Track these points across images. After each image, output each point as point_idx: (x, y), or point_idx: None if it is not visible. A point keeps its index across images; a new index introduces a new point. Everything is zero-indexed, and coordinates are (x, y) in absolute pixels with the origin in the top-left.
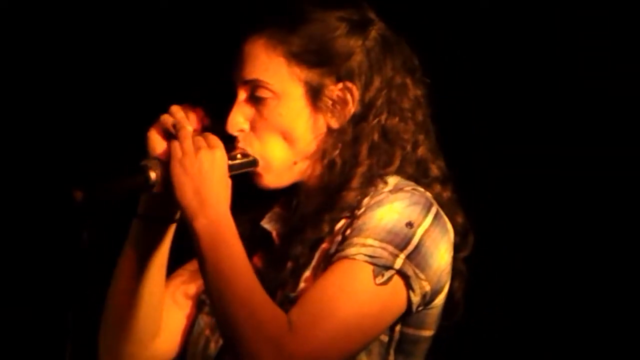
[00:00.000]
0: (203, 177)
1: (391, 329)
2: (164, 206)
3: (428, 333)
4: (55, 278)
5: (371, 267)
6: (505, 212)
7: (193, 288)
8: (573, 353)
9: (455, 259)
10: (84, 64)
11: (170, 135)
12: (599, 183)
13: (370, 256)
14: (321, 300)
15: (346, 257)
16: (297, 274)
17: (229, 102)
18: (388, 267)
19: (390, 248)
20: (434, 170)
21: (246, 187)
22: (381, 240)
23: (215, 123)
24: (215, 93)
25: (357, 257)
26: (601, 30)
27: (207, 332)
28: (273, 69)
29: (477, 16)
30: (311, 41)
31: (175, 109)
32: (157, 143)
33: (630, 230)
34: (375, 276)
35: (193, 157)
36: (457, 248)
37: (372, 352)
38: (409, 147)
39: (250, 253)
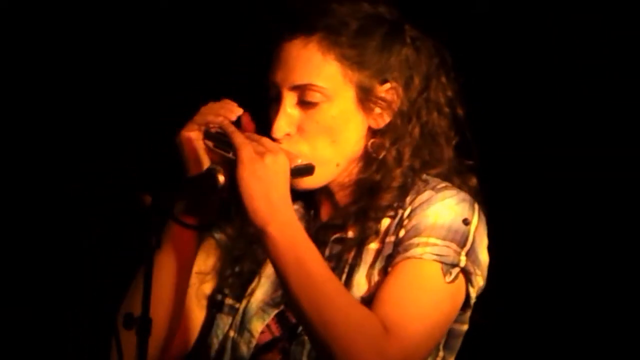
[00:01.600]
0: (271, 181)
1: None
2: (201, 211)
3: (466, 327)
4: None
5: (439, 265)
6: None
7: (208, 288)
8: (576, 352)
9: None
10: (88, 64)
11: (210, 136)
12: (599, 184)
13: (437, 255)
14: (405, 300)
15: (413, 257)
16: (348, 275)
17: (265, 105)
18: (454, 265)
19: (454, 246)
20: (461, 164)
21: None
22: (444, 239)
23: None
24: (253, 96)
25: (424, 256)
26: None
27: (232, 333)
28: (327, 73)
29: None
30: (360, 43)
31: (214, 110)
32: (195, 144)
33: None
34: (444, 274)
35: (260, 161)
36: None
37: None
38: (445, 143)
39: None
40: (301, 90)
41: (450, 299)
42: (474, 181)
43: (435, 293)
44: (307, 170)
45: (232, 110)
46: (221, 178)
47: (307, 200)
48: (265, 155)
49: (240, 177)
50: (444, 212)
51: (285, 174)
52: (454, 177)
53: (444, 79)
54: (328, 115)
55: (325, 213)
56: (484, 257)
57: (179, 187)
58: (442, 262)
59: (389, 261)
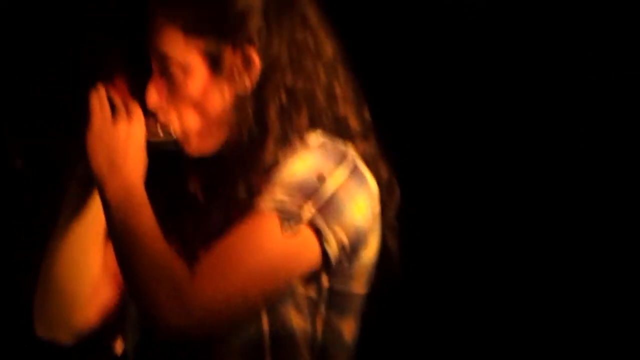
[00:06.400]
0: (116, 147)
1: (319, 284)
2: None
3: (359, 290)
4: None
5: (278, 217)
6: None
7: None
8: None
9: (384, 214)
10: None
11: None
12: None
13: (277, 208)
14: (225, 250)
15: (254, 210)
16: (218, 235)
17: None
18: (295, 219)
19: (298, 199)
20: (355, 126)
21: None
22: (290, 192)
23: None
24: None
25: (264, 208)
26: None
27: None
28: (172, 41)
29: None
30: (204, 9)
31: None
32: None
33: None
34: (282, 227)
35: (111, 127)
36: (384, 203)
37: (302, 308)
38: (321, 104)
39: (178, 219)
40: (159, 59)
41: (286, 253)
42: (359, 142)
43: (264, 244)
44: (169, 144)
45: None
46: None
47: (212, 166)
48: (119, 122)
49: (87, 139)
50: (299, 167)
51: (136, 141)
52: (340, 137)
53: (310, 38)
54: (183, 84)
55: (217, 177)
56: (352, 214)
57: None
58: (281, 216)
59: None
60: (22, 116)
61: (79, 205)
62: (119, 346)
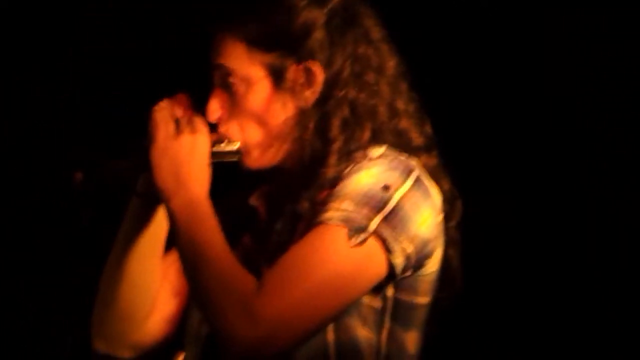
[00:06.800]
0: (181, 161)
1: (384, 295)
2: None
3: (423, 300)
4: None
5: (345, 229)
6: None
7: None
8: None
9: (446, 226)
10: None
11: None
12: None
13: (344, 219)
14: (292, 262)
15: (321, 222)
16: (282, 249)
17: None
18: (362, 229)
19: (365, 211)
20: (417, 139)
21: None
22: (356, 204)
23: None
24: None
25: (331, 221)
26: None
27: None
28: (235, 55)
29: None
30: (267, 24)
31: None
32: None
33: None
34: (349, 238)
35: (173, 140)
36: (446, 216)
37: (367, 319)
38: (384, 118)
39: (240, 232)
40: (220, 72)
41: (353, 264)
42: (422, 156)
43: (331, 256)
44: (232, 154)
45: (183, 96)
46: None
47: (275, 180)
48: (182, 135)
49: (151, 154)
50: (365, 179)
51: (200, 155)
52: (402, 151)
53: (372, 52)
54: (244, 98)
55: (279, 191)
56: (416, 225)
57: (107, 164)
58: (348, 227)
59: None
60: (87, 132)
61: (139, 221)
62: (179, 357)
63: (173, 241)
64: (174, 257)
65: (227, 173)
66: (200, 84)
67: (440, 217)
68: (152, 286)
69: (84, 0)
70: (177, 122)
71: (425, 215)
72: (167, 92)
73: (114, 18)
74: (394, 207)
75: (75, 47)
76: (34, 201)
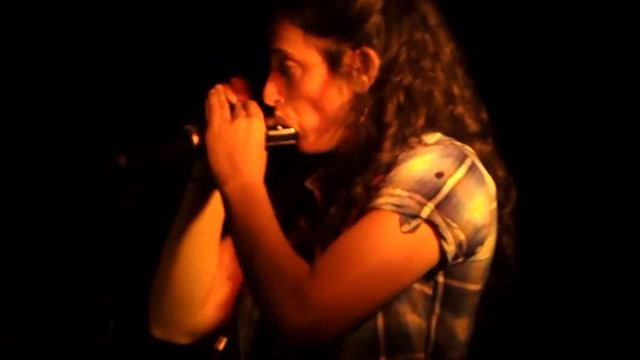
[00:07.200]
0: (236, 145)
1: (435, 281)
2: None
3: (474, 287)
4: (96, 243)
5: (397, 215)
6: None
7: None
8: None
9: (500, 213)
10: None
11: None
12: None
13: (396, 205)
14: (345, 249)
15: (373, 207)
16: (335, 233)
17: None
18: (415, 216)
19: (418, 197)
20: (472, 126)
21: (293, 154)
22: (409, 190)
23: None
24: (260, 65)
25: (384, 206)
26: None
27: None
28: (292, 39)
29: None
30: (324, 9)
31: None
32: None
33: None
34: (401, 225)
35: (229, 124)
36: (501, 203)
37: (417, 304)
38: (439, 104)
39: (296, 216)
40: (278, 56)
41: (405, 250)
42: (477, 143)
43: (383, 242)
44: (289, 137)
45: (240, 80)
46: (195, 139)
47: (331, 164)
48: (238, 119)
49: (207, 138)
50: (418, 165)
51: (255, 139)
52: (457, 137)
53: (428, 38)
54: (301, 82)
55: (334, 176)
56: (469, 212)
57: (153, 147)
58: (400, 213)
59: None
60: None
61: (195, 206)
62: (221, 342)
63: (229, 227)
64: (228, 242)
65: (283, 157)
66: (254, 70)
67: (494, 204)
68: (208, 271)
69: (84, 0)
70: (232, 107)
71: (478, 203)
72: (168, 92)
73: (114, 18)
74: (447, 194)
75: (75, 47)
76: (34, 201)
